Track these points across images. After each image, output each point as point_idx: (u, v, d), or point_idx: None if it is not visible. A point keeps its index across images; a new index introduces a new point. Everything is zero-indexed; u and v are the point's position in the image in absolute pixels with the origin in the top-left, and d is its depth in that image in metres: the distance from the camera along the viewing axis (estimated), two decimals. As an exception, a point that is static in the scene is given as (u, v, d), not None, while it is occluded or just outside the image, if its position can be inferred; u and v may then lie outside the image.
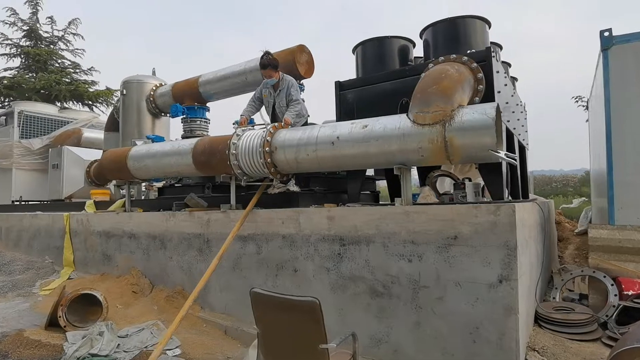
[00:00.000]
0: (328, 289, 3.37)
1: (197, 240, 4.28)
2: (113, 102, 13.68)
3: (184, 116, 6.11)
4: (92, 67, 14.34)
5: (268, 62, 4.08)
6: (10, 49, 14.23)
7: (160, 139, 5.61)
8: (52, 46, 14.43)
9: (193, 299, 3.20)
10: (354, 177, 4.16)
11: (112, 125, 7.31)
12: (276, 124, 3.84)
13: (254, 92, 4.44)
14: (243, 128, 3.96)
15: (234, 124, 4.85)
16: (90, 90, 13.54)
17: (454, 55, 3.40)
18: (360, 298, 3.20)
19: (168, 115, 6.82)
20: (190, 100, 6.05)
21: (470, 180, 3.72)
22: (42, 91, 12.90)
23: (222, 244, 3.98)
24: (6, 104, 13.27)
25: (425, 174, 4.12)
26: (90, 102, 13.69)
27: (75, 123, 8.97)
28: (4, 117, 8.77)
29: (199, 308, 4.17)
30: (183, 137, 6.10)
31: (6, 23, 14.22)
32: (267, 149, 3.66)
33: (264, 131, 3.76)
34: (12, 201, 8.36)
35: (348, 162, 3.40)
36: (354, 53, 4.64)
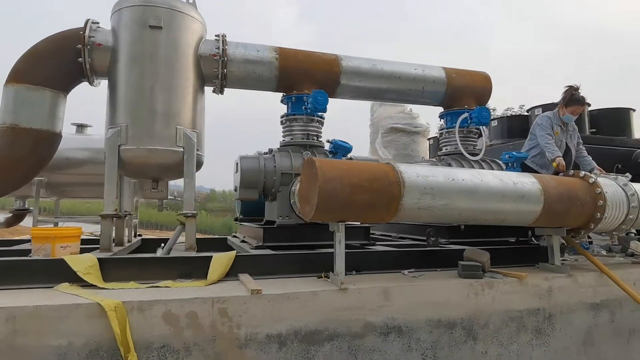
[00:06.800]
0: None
1: (533, 319, 3.04)
2: None
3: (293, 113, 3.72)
4: None
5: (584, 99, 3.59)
6: None
7: (348, 147, 3.20)
8: None
9: None
10: None
11: (47, 74, 3.11)
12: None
13: (536, 126, 3.62)
14: (595, 174, 3.33)
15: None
16: None
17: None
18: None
19: (218, 92, 3.79)
20: (312, 86, 3.76)
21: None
22: None
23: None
24: None
25: None
26: None
27: None
28: None
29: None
30: (287, 145, 3.73)
31: None
32: (633, 204, 3.33)
33: (621, 182, 3.39)
34: None
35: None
36: None
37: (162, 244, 4.26)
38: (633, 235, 4.62)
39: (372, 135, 7.62)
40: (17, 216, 4.18)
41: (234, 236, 4.62)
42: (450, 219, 3.03)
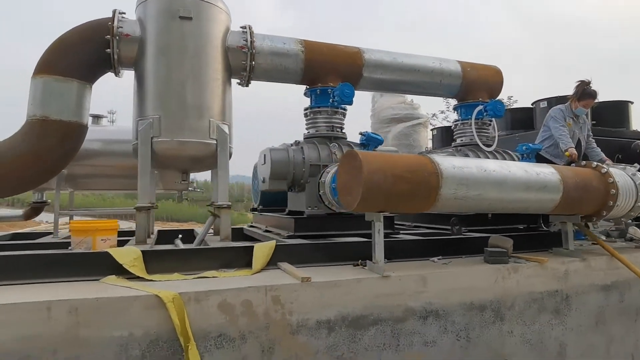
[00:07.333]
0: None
1: (552, 300, 3.24)
2: None
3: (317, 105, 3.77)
4: None
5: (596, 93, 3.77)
6: None
7: (380, 139, 3.27)
8: None
9: None
10: None
11: (75, 65, 3.06)
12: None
13: (550, 118, 3.79)
14: (607, 165, 3.53)
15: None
16: None
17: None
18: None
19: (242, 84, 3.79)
20: (336, 79, 3.81)
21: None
22: None
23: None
24: None
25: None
26: None
27: None
28: None
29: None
30: (312, 137, 3.78)
31: None
32: (641, 191, 3.55)
33: (630, 172, 3.60)
34: None
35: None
36: None
37: (180, 235, 4.27)
38: (630, 221, 4.90)
39: (374, 125, 7.72)
40: (35, 209, 4.09)
41: (252, 226, 4.66)
42: (480, 209, 3.16)
